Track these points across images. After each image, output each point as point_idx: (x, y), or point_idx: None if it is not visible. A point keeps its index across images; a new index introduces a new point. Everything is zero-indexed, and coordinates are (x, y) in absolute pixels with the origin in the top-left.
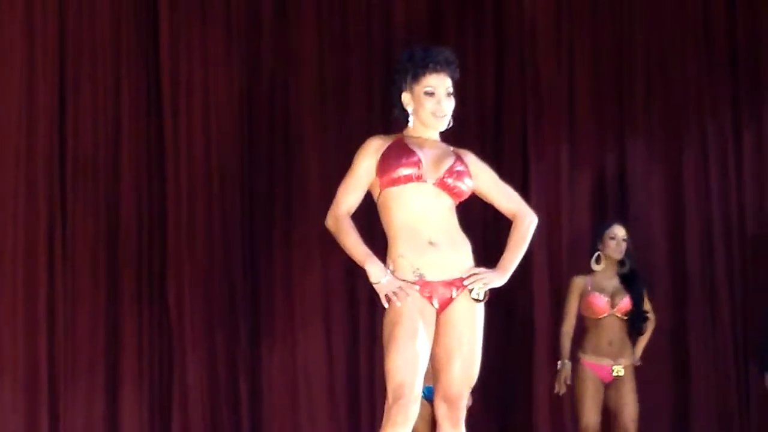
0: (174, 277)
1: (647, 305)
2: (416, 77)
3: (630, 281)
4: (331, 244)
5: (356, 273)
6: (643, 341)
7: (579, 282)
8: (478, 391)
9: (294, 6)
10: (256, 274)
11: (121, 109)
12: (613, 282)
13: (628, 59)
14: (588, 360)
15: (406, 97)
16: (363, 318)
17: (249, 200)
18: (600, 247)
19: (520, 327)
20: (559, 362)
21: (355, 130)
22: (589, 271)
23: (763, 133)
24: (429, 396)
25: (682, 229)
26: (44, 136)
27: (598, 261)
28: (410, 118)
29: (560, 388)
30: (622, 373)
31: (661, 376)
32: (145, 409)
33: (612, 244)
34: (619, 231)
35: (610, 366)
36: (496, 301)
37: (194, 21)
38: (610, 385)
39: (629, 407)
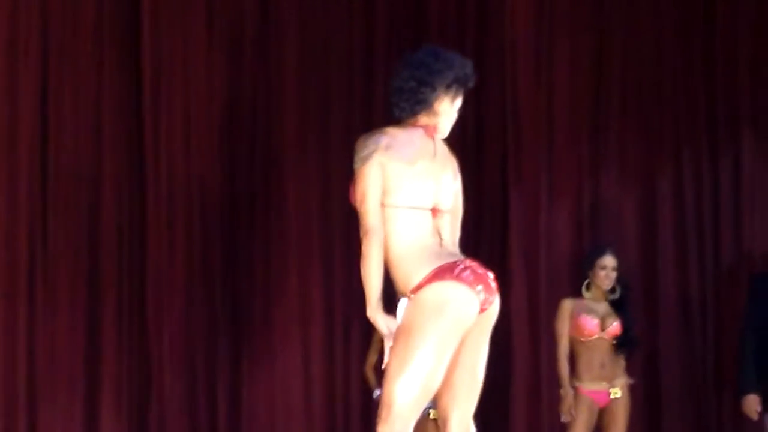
0: (153, 290)
1: None
2: (457, 92)
3: (620, 306)
4: (309, 259)
5: (334, 288)
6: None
7: (568, 304)
8: None
9: (276, 14)
10: (235, 288)
11: (102, 121)
12: (603, 306)
13: (606, 87)
14: (584, 387)
15: (441, 102)
16: (338, 334)
17: (229, 213)
18: (590, 274)
19: (496, 353)
20: (561, 390)
21: (335, 138)
22: (577, 294)
23: (740, 159)
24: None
25: (654, 256)
26: (25, 148)
27: (588, 288)
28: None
29: (567, 417)
30: (619, 394)
31: (634, 402)
32: (123, 423)
33: (602, 274)
34: (609, 261)
35: (607, 390)
36: None
37: (176, 30)
38: (606, 408)
39: (618, 429)
